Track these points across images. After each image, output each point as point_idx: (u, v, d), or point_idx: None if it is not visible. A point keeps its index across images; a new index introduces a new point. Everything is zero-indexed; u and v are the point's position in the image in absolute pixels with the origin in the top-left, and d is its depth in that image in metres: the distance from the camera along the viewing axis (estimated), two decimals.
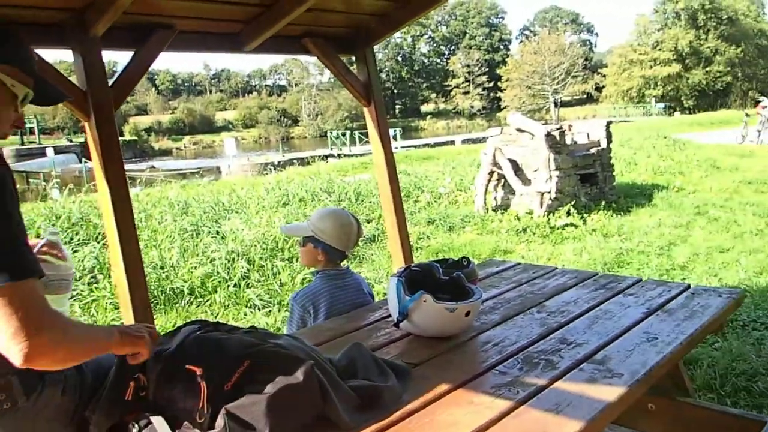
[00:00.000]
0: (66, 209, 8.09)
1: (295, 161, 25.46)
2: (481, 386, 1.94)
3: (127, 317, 2.79)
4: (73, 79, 2.75)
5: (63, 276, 1.92)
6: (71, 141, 47.77)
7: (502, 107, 68.31)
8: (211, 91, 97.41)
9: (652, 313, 2.54)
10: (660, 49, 60.22)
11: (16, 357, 1.18)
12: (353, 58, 3.97)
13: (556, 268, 3.33)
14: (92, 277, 5.93)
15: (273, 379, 1.59)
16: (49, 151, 31.49)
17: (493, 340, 2.33)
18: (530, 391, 1.87)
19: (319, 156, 27.00)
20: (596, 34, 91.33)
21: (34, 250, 1.75)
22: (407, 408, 1.79)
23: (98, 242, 6.97)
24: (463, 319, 2.30)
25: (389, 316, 2.61)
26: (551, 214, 8.48)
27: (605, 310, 2.60)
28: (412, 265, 2.52)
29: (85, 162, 26.46)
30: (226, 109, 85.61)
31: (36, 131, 44.90)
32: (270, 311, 5.36)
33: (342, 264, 2.91)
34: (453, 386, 1.94)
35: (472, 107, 77.27)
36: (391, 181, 3.84)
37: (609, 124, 10.02)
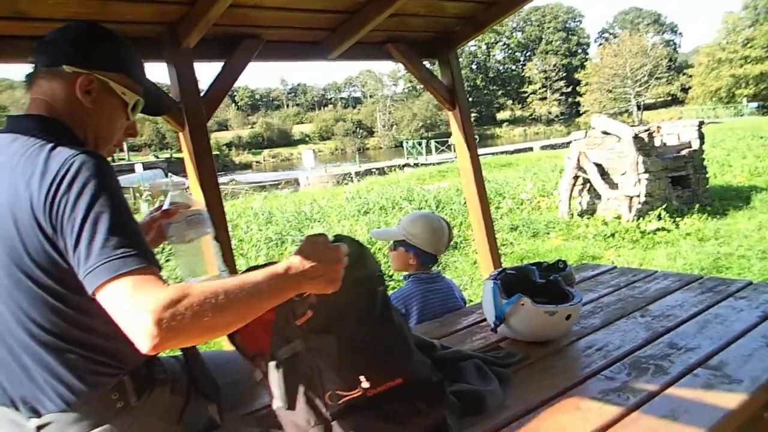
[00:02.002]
0: None
1: (372, 171, 25.66)
2: (587, 392, 1.85)
3: None
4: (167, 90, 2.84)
5: (200, 211, 1.69)
6: (157, 157, 50.04)
7: (581, 112, 66.82)
8: (288, 105, 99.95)
9: None
10: (751, 47, 57.39)
11: (140, 345, 1.11)
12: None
13: (656, 272, 3.17)
14: None
15: None
16: (138, 167, 32.89)
17: (595, 345, 2.22)
18: (642, 397, 1.76)
19: (396, 166, 27.12)
20: (680, 34, 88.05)
21: (165, 207, 1.68)
22: (511, 414, 1.72)
23: None
24: (563, 322, 2.21)
25: (483, 320, 2.55)
26: (641, 218, 8.18)
27: (715, 314, 2.44)
28: (507, 268, 2.45)
29: (171, 176, 27.57)
30: (302, 123, 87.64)
31: (125, 148, 47.19)
32: None
33: (433, 268, 2.87)
34: (557, 392, 1.85)
35: (549, 113, 75.95)
36: (477, 186, 3.78)
37: (701, 124, 9.58)
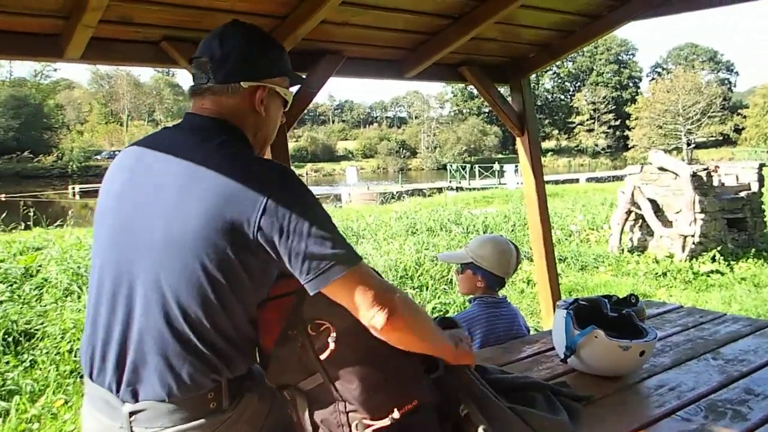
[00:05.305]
0: None
1: (414, 192, 25.67)
2: None
3: None
4: None
5: None
6: None
7: (629, 146, 65.84)
8: (333, 121, 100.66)
9: None
10: None
11: (379, 320, 1.32)
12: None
13: (726, 314, 3.10)
14: None
15: None
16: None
17: (667, 384, 2.18)
18: None
19: (438, 188, 27.09)
20: (736, 73, 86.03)
21: None
22: None
23: None
24: (636, 358, 2.17)
25: (549, 349, 2.52)
26: (694, 259, 8.00)
27: None
28: (579, 298, 2.43)
29: None
30: (347, 139, 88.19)
31: None
32: None
33: (499, 293, 2.86)
34: (631, 429, 1.82)
35: (596, 145, 75.05)
36: (541, 213, 3.76)
37: (762, 166, 9.37)
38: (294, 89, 1.71)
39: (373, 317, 1.32)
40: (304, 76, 3.00)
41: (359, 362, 1.48)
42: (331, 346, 1.44)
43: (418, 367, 1.65)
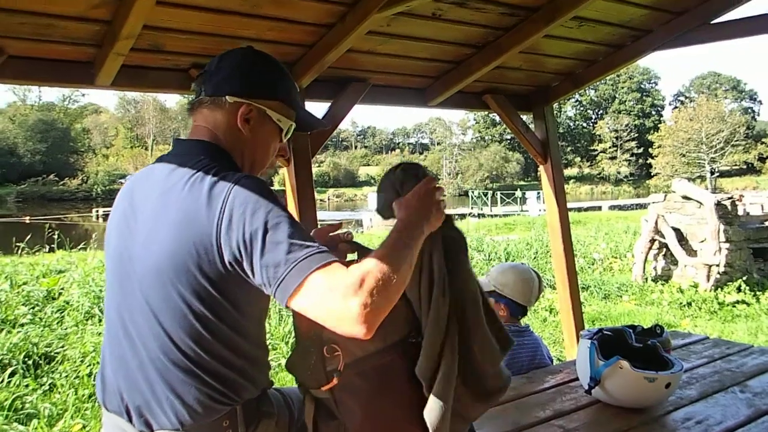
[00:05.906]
0: None
1: None
2: None
3: None
4: None
5: None
6: None
7: (652, 174, 65.26)
8: (356, 147, 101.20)
9: None
10: None
11: (359, 333, 1.16)
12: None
13: (752, 346, 3.05)
14: None
15: None
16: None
17: (694, 417, 2.15)
18: None
19: (460, 214, 27.02)
20: (760, 102, 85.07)
21: None
22: None
23: None
24: (662, 390, 2.15)
25: (572, 380, 2.50)
26: (719, 288, 7.87)
27: None
28: (604, 328, 2.40)
29: None
30: (369, 165, 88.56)
31: None
32: None
33: (522, 321, 2.84)
34: None
35: (618, 173, 74.51)
36: (564, 241, 3.74)
37: None
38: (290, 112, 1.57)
39: (350, 333, 1.17)
40: (320, 117, 3.03)
41: (364, 399, 1.47)
42: (334, 381, 1.43)
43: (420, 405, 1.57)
